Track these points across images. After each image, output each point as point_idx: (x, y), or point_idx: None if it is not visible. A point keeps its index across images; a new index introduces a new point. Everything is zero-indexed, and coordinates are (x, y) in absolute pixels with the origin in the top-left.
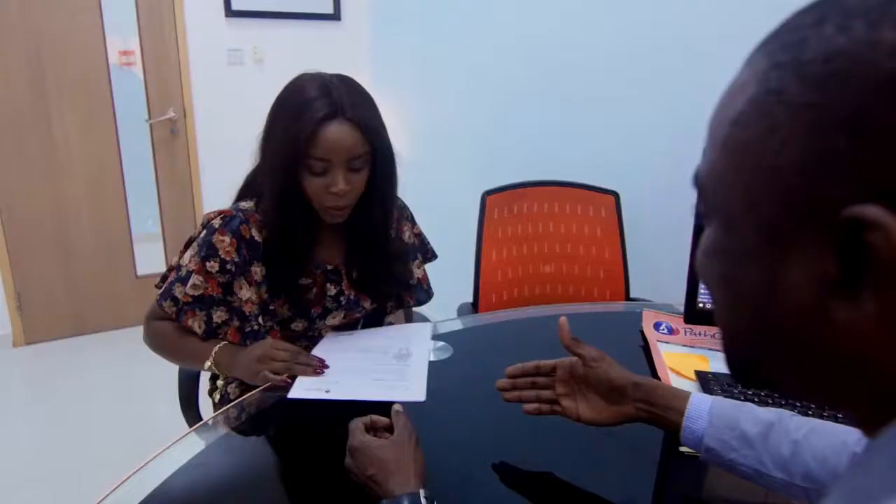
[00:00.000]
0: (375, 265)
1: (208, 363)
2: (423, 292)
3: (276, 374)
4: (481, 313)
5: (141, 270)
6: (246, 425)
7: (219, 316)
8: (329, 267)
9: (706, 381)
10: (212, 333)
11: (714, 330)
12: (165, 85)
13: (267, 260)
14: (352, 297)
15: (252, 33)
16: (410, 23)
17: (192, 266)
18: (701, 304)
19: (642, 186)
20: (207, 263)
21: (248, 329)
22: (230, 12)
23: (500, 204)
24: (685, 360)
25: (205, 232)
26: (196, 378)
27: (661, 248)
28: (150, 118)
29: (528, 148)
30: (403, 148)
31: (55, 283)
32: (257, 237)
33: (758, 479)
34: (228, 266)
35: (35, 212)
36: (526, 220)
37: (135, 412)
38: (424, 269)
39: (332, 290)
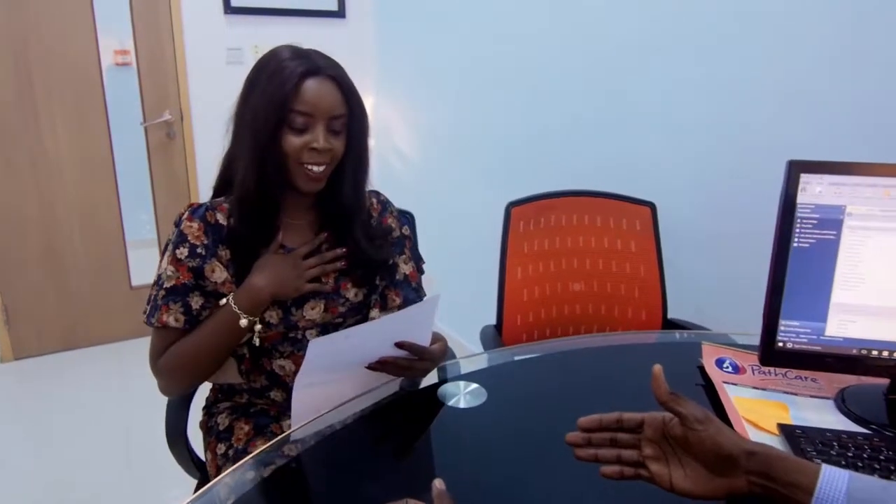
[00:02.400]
0: (350, 242)
1: (243, 321)
2: (412, 290)
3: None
4: (513, 346)
5: (136, 281)
6: (246, 499)
7: (196, 301)
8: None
9: (793, 438)
10: (194, 322)
11: (785, 370)
12: (161, 86)
13: (232, 242)
14: (329, 283)
15: (252, 31)
16: (418, 19)
17: (168, 263)
18: (781, 343)
19: (681, 196)
20: (177, 251)
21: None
22: (229, 9)
23: (525, 216)
24: (762, 408)
25: (176, 229)
26: (186, 407)
27: (701, 265)
28: (145, 121)
29: (555, 154)
30: (411, 151)
31: (45, 295)
32: (222, 221)
33: None
34: (199, 250)
35: (23, 220)
36: (554, 234)
37: (130, 431)
38: (414, 268)
39: None
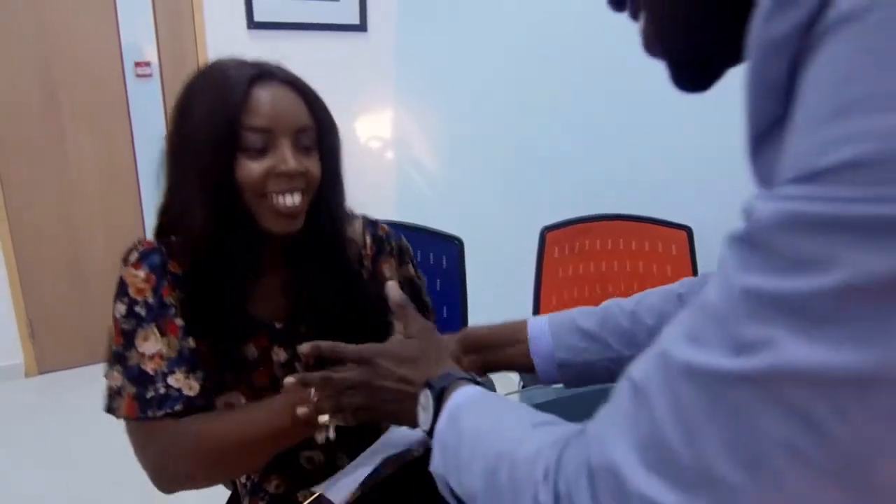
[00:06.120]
0: (330, 296)
1: (322, 435)
2: None
3: None
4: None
5: None
6: None
7: (114, 379)
8: (277, 325)
9: None
10: (108, 409)
11: None
12: None
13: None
14: (311, 364)
15: (275, 46)
16: (441, 32)
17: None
18: None
19: (717, 220)
20: (115, 307)
21: (151, 395)
22: (252, 24)
23: (560, 241)
24: None
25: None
26: None
27: None
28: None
29: (590, 176)
30: (435, 171)
31: (69, 309)
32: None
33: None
34: (137, 308)
35: (47, 233)
36: (588, 259)
37: None
38: None
39: (280, 356)
